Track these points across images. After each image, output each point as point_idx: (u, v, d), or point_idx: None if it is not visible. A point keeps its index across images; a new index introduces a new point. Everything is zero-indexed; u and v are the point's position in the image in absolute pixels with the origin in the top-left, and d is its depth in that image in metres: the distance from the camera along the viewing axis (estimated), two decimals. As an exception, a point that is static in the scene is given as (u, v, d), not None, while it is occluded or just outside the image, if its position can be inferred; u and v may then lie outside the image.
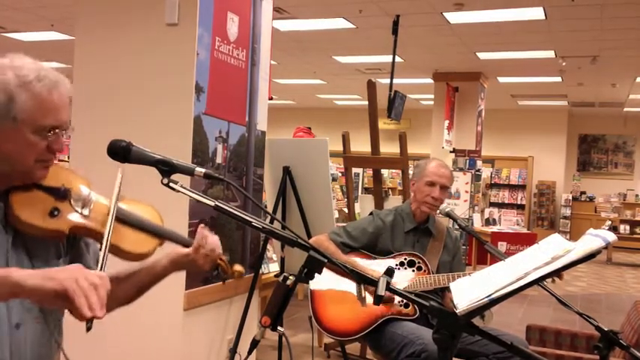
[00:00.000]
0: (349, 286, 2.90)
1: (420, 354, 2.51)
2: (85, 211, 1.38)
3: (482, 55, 8.98)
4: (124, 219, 1.43)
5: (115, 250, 1.40)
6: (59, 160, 1.56)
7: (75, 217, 1.36)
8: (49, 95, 1.30)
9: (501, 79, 10.82)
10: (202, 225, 1.51)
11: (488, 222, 9.92)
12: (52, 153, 1.34)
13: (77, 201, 1.39)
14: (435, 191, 2.93)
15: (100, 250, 1.31)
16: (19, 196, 1.32)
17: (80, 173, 1.48)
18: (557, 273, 1.30)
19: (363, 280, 1.37)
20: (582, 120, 14.54)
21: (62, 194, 1.37)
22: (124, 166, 1.42)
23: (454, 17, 6.98)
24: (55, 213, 1.33)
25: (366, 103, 4.49)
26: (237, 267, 1.58)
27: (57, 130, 1.32)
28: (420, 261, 2.90)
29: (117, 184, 1.41)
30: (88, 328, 1.09)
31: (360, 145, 7.79)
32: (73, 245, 1.49)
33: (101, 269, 1.23)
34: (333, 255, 2.82)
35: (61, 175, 1.41)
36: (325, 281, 2.91)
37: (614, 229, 11.79)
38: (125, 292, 1.52)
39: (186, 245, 1.49)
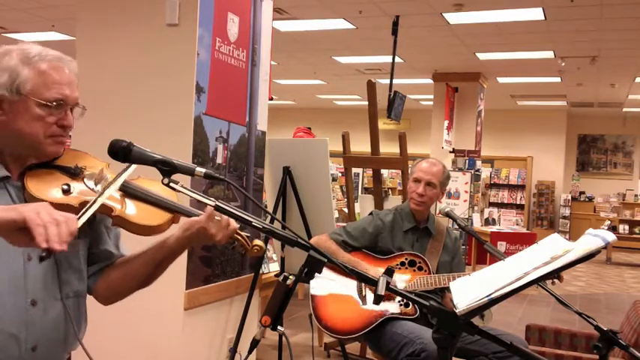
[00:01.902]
0: (350, 290, 2.90)
1: (419, 353, 2.52)
2: (98, 189, 1.40)
3: (482, 56, 8.98)
4: (132, 192, 1.44)
5: (123, 222, 1.41)
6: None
7: (86, 193, 1.38)
8: (51, 69, 1.36)
9: (501, 80, 10.83)
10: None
11: (487, 222, 9.92)
12: (61, 128, 1.37)
13: (90, 179, 1.42)
14: (420, 187, 2.95)
15: (93, 203, 1.31)
16: (33, 174, 1.37)
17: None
18: (557, 273, 1.31)
19: (363, 279, 1.38)
20: (581, 120, 14.55)
21: (74, 172, 1.40)
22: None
23: (454, 18, 6.98)
24: (67, 189, 1.36)
25: (366, 103, 4.49)
26: (258, 242, 1.52)
27: (61, 103, 1.36)
28: (421, 261, 2.91)
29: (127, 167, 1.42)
30: (41, 259, 1.09)
31: (360, 145, 7.80)
32: (92, 227, 1.50)
33: (78, 217, 1.22)
34: (335, 254, 2.83)
35: (76, 157, 1.46)
36: (326, 287, 2.91)
37: (613, 228, 11.81)
38: (142, 269, 1.51)
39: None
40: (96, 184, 1.41)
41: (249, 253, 1.53)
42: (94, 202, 1.32)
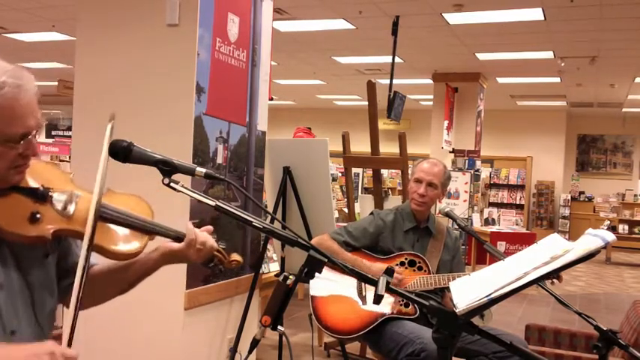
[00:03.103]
0: (350, 291, 2.89)
1: (419, 353, 2.52)
2: (69, 210, 1.30)
3: (482, 56, 8.99)
4: (108, 217, 1.36)
5: (101, 251, 1.34)
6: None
7: (57, 221, 1.28)
8: (11, 104, 1.21)
9: (500, 80, 10.83)
10: (190, 222, 1.50)
11: (487, 222, 9.92)
12: (25, 158, 1.27)
13: (59, 201, 1.30)
14: (421, 188, 2.96)
15: (76, 279, 1.21)
16: None
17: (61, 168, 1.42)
18: (556, 273, 1.31)
19: (363, 279, 1.38)
20: (581, 120, 14.55)
21: (42, 196, 1.28)
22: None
23: (453, 18, 6.98)
24: (37, 216, 1.25)
25: (366, 103, 4.50)
26: (235, 256, 1.54)
27: (29, 137, 1.25)
28: (421, 261, 2.91)
29: (97, 183, 1.30)
30: None
31: (360, 145, 7.80)
32: (59, 241, 1.43)
33: (70, 336, 1.17)
34: (337, 254, 2.84)
35: (40, 173, 1.33)
36: (326, 288, 2.91)
37: (612, 228, 11.82)
38: (118, 284, 1.50)
39: (178, 239, 1.45)
40: (65, 207, 1.30)
41: (227, 266, 1.56)
42: (86, 257, 1.22)
